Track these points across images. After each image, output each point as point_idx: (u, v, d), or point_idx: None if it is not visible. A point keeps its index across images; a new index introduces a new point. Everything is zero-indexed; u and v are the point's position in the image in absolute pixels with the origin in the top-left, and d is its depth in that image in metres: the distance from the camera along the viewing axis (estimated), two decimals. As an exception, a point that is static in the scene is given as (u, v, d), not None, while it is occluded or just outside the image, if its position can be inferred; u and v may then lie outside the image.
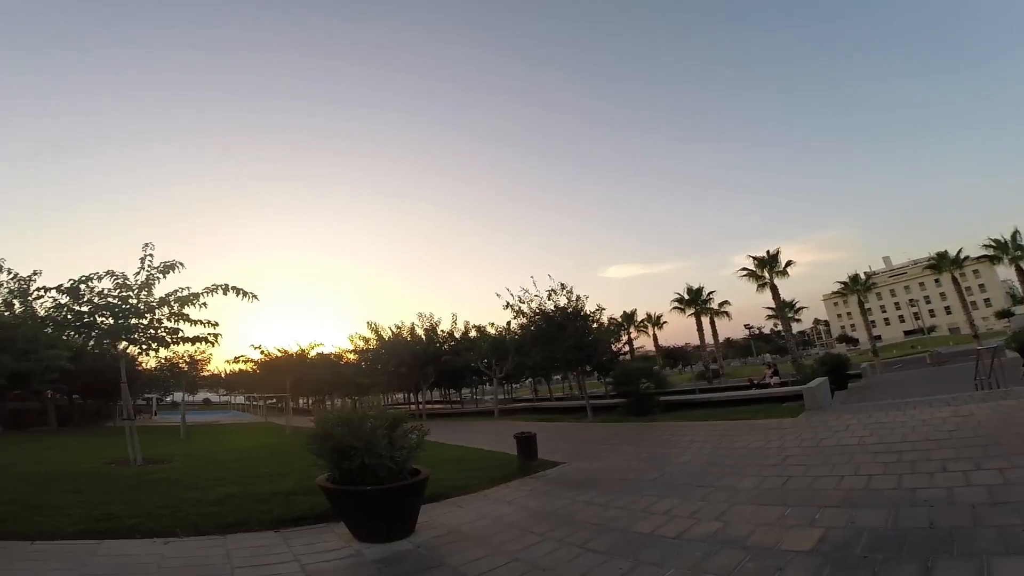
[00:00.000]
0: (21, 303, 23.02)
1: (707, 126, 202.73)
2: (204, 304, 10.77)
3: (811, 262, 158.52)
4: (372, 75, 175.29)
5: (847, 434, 7.85)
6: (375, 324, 34.05)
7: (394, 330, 33.32)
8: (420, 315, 32.79)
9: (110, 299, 10.71)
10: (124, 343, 10.93)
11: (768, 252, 34.22)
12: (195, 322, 11.25)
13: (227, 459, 12.19)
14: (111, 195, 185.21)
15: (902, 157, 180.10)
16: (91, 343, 24.13)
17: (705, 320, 38.57)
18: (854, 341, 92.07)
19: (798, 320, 53.30)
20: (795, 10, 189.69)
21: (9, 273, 21.87)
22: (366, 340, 35.28)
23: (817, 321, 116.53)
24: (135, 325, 10.61)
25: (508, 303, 16.67)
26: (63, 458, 12.23)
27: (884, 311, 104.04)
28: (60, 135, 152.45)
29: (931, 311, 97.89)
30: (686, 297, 38.44)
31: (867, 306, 38.37)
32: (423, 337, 32.24)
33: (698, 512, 4.82)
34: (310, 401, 54.80)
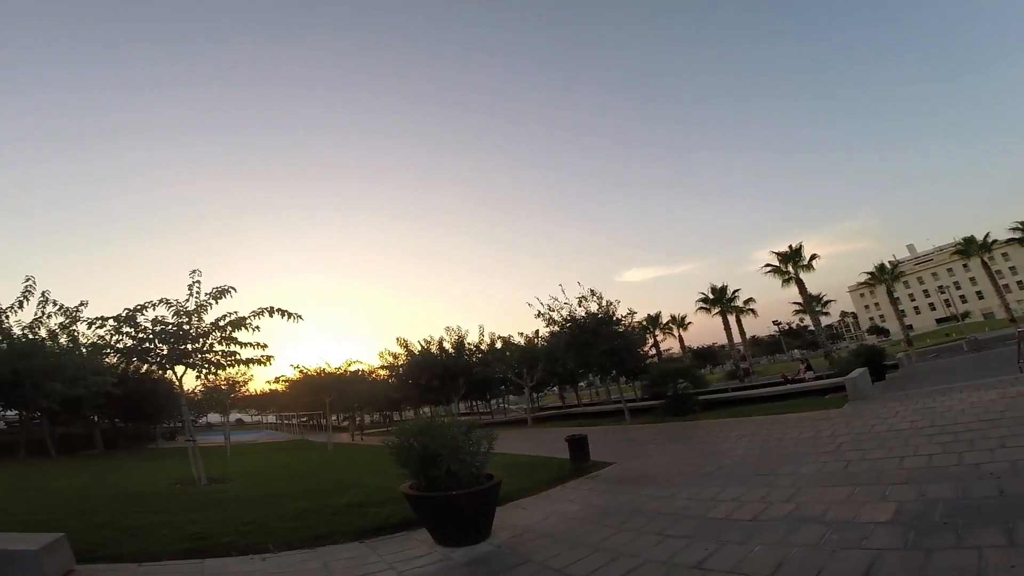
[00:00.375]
0: (68, 333, 24.14)
1: (718, 122, 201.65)
2: (257, 328, 11.13)
3: (833, 253, 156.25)
4: (396, 94, 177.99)
5: (897, 420, 7.95)
6: (405, 340, 34.53)
7: (424, 344, 33.75)
8: (448, 328, 33.22)
9: (165, 326, 11.18)
10: (181, 368, 11.36)
11: (791, 247, 33.97)
12: (244, 344, 11.70)
13: (283, 476, 12.57)
14: (138, 221, 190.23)
15: (921, 142, 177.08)
16: (147, 368, 25.02)
17: (731, 319, 38.38)
18: (885, 332, 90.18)
19: (826, 314, 52.61)
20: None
21: (55, 304, 23.05)
22: (395, 356, 35.82)
23: (844, 313, 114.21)
24: (192, 350, 11.08)
25: (539, 312, 16.99)
26: (127, 480, 12.68)
27: (913, 300, 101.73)
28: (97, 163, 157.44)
29: (962, 297, 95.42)
30: (711, 296, 38.23)
31: (896, 295, 37.63)
32: (452, 350, 32.64)
33: (767, 497, 5.02)
34: (341, 418, 55.51)
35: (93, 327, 10.80)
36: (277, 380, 29.58)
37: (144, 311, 11.22)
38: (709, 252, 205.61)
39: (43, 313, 22.62)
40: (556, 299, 16.87)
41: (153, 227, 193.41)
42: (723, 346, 49.02)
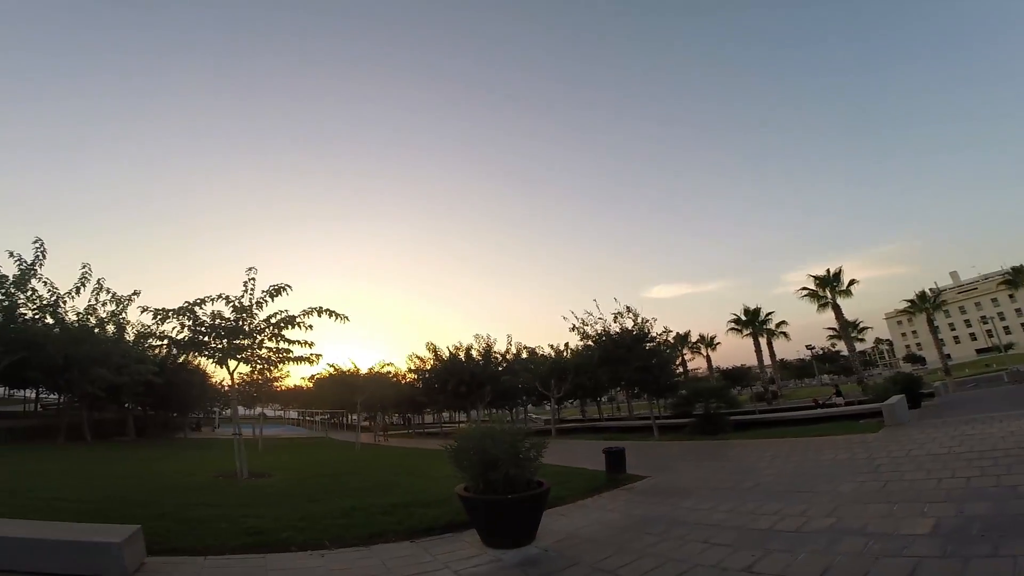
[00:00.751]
0: (115, 322, 25.32)
1: (752, 140, 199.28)
2: (310, 326, 11.56)
3: (870, 278, 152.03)
4: (415, 101, 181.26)
5: (935, 445, 8.02)
6: (433, 345, 35.05)
7: (452, 350, 34.19)
8: (477, 336, 33.63)
9: (224, 320, 11.71)
10: (234, 362, 11.84)
11: (829, 271, 33.58)
12: (292, 342, 12.19)
13: (321, 472, 12.98)
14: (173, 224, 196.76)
15: (970, 163, 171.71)
16: (187, 359, 25.96)
17: (762, 341, 37.92)
18: (921, 360, 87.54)
19: (861, 340, 51.46)
20: (854, 18, 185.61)
21: (108, 292, 24.25)
22: (422, 360, 36.40)
23: (879, 340, 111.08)
24: (246, 345, 11.58)
25: (574, 325, 17.28)
26: (170, 470, 13.06)
27: (953, 329, 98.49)
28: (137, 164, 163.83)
29: (1006, 328, 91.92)
30: (743, 318, 37.93)
31: (935, 324, 36.70)
32: (479, 358, 33.01)
33: (807, 511, 5.23)
34: (361, 418, 56.16)
35: (157, 318, 11.24)
36: (312, 377, 30.21)
37: (203, 305, 11.81)
38: (738, 272, 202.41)
39: (96, 300, 23.89)
40: (590, 313, 17.16)
41: (184, 224, 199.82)
42: (752, 368, 48.39)
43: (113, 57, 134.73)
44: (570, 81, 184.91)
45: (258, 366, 12.29)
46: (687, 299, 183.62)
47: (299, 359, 12.04)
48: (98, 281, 23.29)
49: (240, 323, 11.65)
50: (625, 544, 5.00)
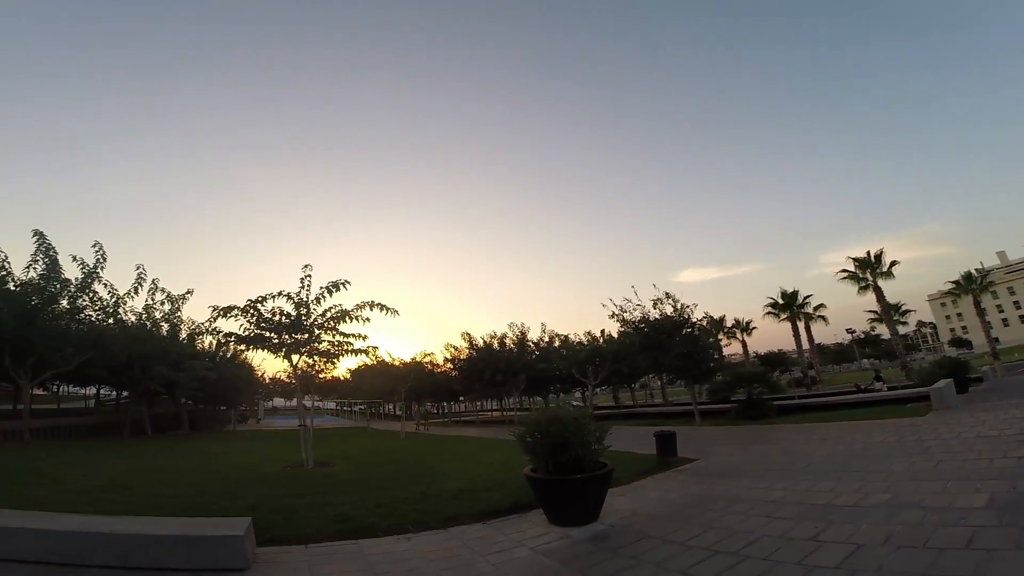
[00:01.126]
0: (169, 320, 26.69)
1: (785, 117, 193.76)
2: (368, 319, 12.11)
3: (910, 259, 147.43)
4: (446, 91, 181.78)
5: (984, 427, 8.18)
6: (468, 335, 35.70)
7: (487, 340, 34.79)
8: (511, 324, 34.15)
9: (286, 316, 12.34)
10: (296, 356, 12.50)
11: (870, 253, 32.83)
12: (347, 335, 12.76)
13: (379, 461, 13.50)
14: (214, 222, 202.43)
15: (1012, 141, 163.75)
16: (239, 353, 26.90)
17: (799, 325, 37.42)
18: (967, 344, 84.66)
19: (904, 323, 50.17)
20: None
21: (163, 292, 25.58)
22: (457, 349, 37.17)
23: (921, 323, 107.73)
24: (307, 339, 12.23)
25: (613, 313, 17.59)
26: (238, 463, 13.52)
27: (1002, 311, 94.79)
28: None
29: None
30: (780, 301, 37.45)
31: (982, 306, 35.53)
32: (513, 347, 33.56)
33: (863, 488, 5.54)
34: (397, 407, 57.00)
35: (228, 316, 11.89)
36: (358, 368, 31.17)
37: (264, 302, 12.46)
38: (771, 254, 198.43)
39: (153, 300, 25.23)
40: (629, 300, 17.43)
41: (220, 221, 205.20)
42: (789, 353, 47.80)
43: (161, 53, 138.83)
44: (593, 60, 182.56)
45: (320, 359, 12.84)
46: (718, 283, 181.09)
47: (357, 351, 12.70)
48: (153, 281, 24.62)
49: (301, 318, 12.29)
50: (689, 519, 5.34)
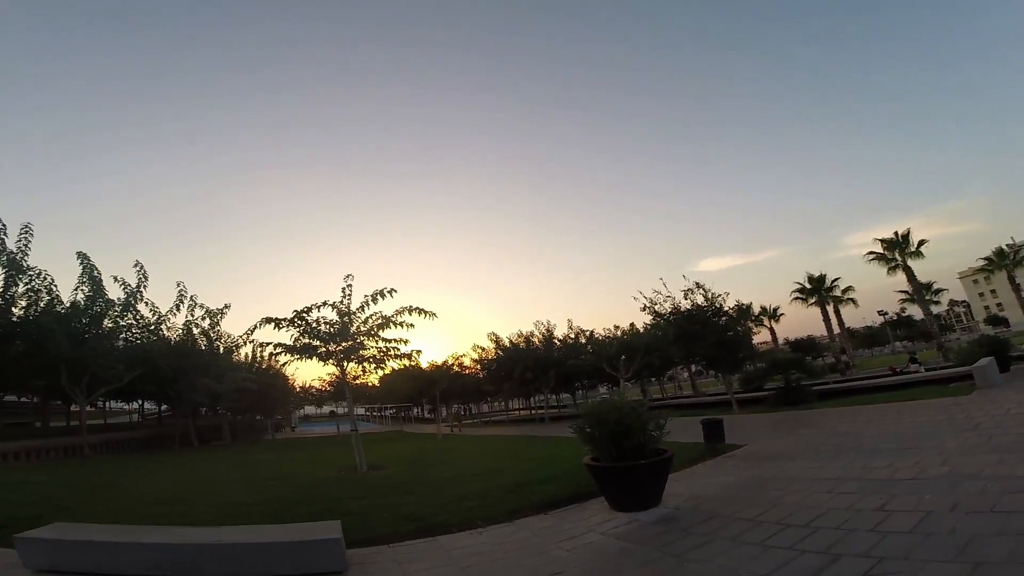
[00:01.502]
0: (207, 334, 27.56)
1: (799, 102, 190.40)
2: (412, 325, 12.47)
3: (935, 237, 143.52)
4: (474, 86, 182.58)
5: (1034, 404, 8.22)
6: (495, 335, 36.05)
7: (513, 339, 35.08)
8: (537, 322, 34.41)
9: (332, 325, 12.75)
10: (347, 364, 12.93)
11: (897, 233, 32.46)
12: (389, 341, 13.16)
13: (426, 463, 13.74)
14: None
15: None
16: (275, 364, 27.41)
17: (828, 309, 37.01)
18: (1004, 322, 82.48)
19: (937, 303, 49.21)
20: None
21: (201, 307, 26.47)
22: (484, 350, 37.55)
23: (954, 302, 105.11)
24: (355, 346, 12.65)
25: (645, 305, 17.80)
26: (292, 471, 13.72)
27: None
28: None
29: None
30: (807, 286, 37.10)
31: (1017, 282, 34.63)
32: (540, 344, 33.81)
33: (919, 464, 5.74)
34: (440, 409, 56.99)
35: (281, 327, 12.33)
36: (388, 372, 31.72)
37: (309, 312, 12.90)
38: (792, 239, 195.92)
39: (192, 316, 26.13)
40: (658, 292, 17.63)
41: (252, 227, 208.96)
42: (820, 338, 47.28)
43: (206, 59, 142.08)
44: (609, 49, 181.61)
45: (371, 365, 13.24)
46: (739, 270, 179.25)
47: (402, 356, 13.11)
48: (192, 297, 25.53)
49: (347, 327, 12.72)
50: (752, 499, 5.56)
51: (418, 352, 13.40)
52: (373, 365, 13.24)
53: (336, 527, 4.72)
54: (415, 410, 59.76)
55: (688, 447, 9.72)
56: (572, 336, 34.58)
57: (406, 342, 13.26)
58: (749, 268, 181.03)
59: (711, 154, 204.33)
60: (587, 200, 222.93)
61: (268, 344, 13.65)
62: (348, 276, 12.95)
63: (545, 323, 34.02)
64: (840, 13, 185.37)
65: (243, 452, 22.30)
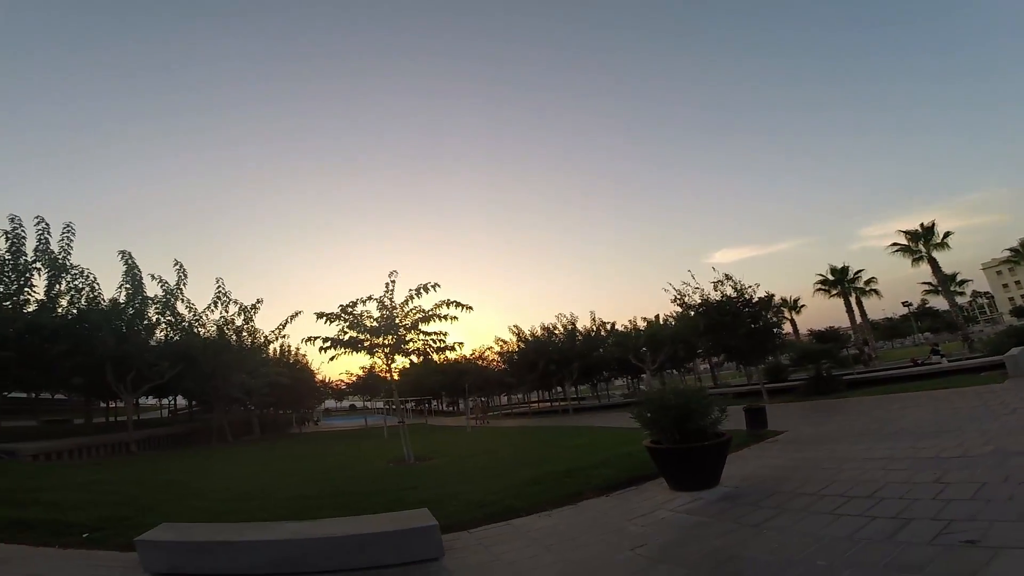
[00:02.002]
0: (237, 330, 28.25)
1: (815, 90, 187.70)
2: (456, 318, 12.89)
3: (955, 228, 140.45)
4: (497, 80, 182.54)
5: (1069, 390, 8.52)
6: (517, 328, 36.51)
7: (536, 332, 35.50)
8: (559, 315, 34.73)
9: (372, 320, 13.24)
10: (396, 356, 13.44)
11: (922, 224, 32.61)
12: (428, 334, 13.62)
13: (468, 453, 14.07)
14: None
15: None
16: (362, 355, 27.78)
17: (851, 301, 37.02)
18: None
19: (962, 294, 48.84)
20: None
21: (236, 304, 27.18)
22: (506, 343, 38.06)
23: (977, 293, 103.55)
24: (404, 339, 13.13)
25: (675, 297, 18.22)
26: (341, 463, 14.03)
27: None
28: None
29: None
30: (830, 277, 37.17)
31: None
32: (560, 337, 34.21)
33: (964, 444, 6.14)
34: (446, 403, 57.55)
35: (330, 322, 12.85)
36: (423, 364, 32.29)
37: (355, 307, 13.38)
38: (808, 230, 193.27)
39: (227, 312, 26.83)
40: (687, 284, 18.02)
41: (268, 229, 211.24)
42: (842, 329, 47.18)
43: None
44: (619, 40, 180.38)
45: (417, 358, 13.73)
46: (754, 262, 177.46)
47: (446, 348, 13.61)
48: (226, 294, 26.20)
49: (392, 320, 13.21)
50: (808, 477, 5.90)
51: (460, 344, 13.84)
52: (420, 357, 13.67)
53: (427, 515, 4.89)
54: (435, 403, 60.45)
55: (731, 433, 10.22)
56: (594, 329, 35.01)
57: (446, 335, 13.73)
58: (765, 259, 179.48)
59: (723, 146, 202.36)
60: (600, 191, 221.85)
61: (316, 338, 14.21)
62: (392, 272, 13.34)
63: (568, 315, 34.38)
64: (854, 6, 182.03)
65: (280, 446, 22.71)
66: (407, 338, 13.45)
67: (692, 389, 6.76)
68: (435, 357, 14.62)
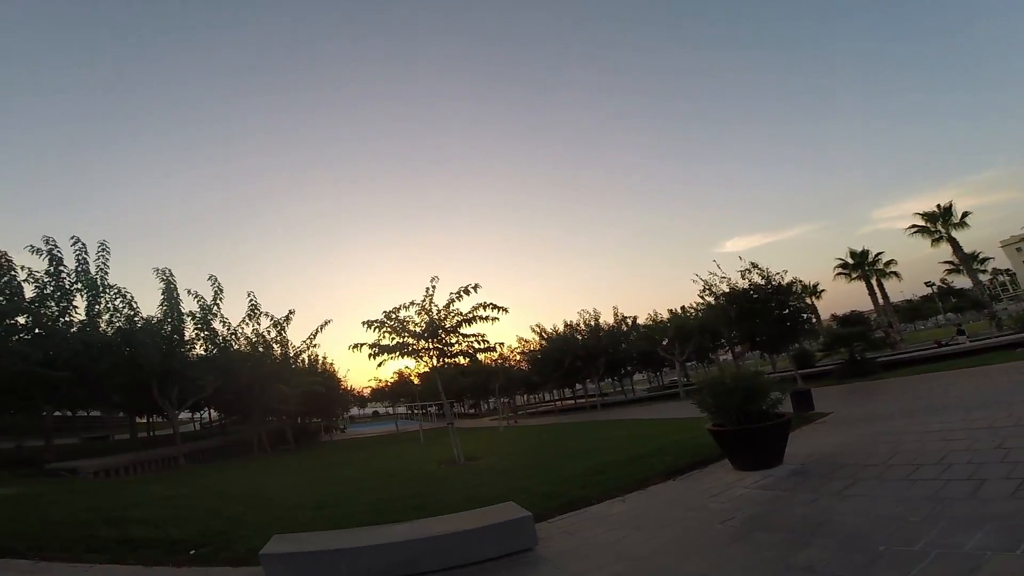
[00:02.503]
0: (269, 343, 28.91)
1: (819, 74, 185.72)
2: (496, 319, 13.27)
3: (973, 206, 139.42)
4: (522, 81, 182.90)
5: (1110, 361, 8.80)
6: (540, 326, 36.76)
7: (559, 330, 35.72)
8: (582, 311, 34.89)
9: (415, 325, 13.67)
10: (442, 360, 13.84)
11: (939, 206, 32.68)
12: (466, 336, 14.01)
13: (512, 452, 14.29)
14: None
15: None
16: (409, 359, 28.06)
17: (872, 284, 36.99)
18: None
19: (984, 271, 48.51)
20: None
21: (268, 317, 27.88)
22: (527, 342, 38.35)
23: (997, 271, 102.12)
24: (449, 343, 13.56)
25: (703, 287, 18.58)
26: (390, 467, 14.02)
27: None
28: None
29: None
30: (850, 261, 37.13)
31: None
32: (583, 333, 34.43)
33: (1015, 414, 6.48)
34: (500, 402, 57.35)
35: (375, 329, 13.29)
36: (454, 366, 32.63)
37: (398, 312, 13.80)
38: (820, 214, 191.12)
39: (259, 325, 27.51)
40: (713, 274, 18.38)
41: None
42: (868, 312, 47.05)
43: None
44: (628, 29, 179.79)
45: (463, 359, 14.15)
46: (766, 248, 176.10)
47: (488, 349, 14.01)
48: (257, 307, 26.82)
49: (435, 325, 13.65)
50: (870, 451, 6.21)
51: (500, 344, 14.21)
52: (466, 359, 14.08)
53: (516, 508, 5.10)
54: (456, 406, 60.75)
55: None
56: (617, 323, 35.23)
57: (484, 336, 14.09)
58: (776, 246, 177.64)
59: (729, 133, 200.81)
60: (607, 184, 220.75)
61: (363, 344, 14.63)
62: (434, 277, 13.72)
63: (591, 311, 34.61)
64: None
65: (321, 454, 22.98)
66: (451, 341, 13.89)
67: (751, 373, 7.13)
68: (480, 358, 14.95)
